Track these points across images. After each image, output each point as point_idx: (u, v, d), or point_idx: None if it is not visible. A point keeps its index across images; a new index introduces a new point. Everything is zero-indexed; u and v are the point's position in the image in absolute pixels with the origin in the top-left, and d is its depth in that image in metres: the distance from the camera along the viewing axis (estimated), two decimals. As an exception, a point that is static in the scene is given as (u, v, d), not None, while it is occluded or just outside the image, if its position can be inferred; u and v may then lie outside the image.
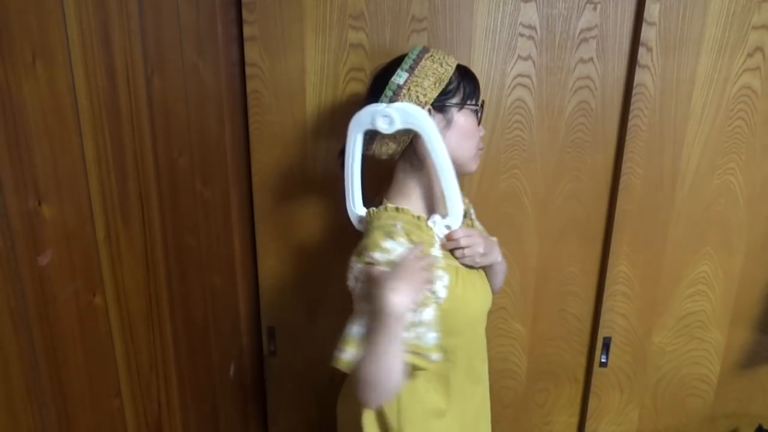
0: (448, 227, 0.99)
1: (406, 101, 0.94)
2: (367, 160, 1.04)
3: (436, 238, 0.99)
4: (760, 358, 1.49)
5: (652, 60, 1.24)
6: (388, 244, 0.90)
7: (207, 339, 1.22)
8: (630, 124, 1.28)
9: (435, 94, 0.95)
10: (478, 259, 0.99)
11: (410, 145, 0.99)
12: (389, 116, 0.93)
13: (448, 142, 0.98)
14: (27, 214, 0.64)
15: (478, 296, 1.02)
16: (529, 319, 1.46)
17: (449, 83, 0.97)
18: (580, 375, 1.51)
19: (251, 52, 1.25)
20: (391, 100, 0.94)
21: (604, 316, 1.44)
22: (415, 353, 0.88)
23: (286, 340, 1.49)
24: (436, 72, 0.95)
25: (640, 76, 1.25)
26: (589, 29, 1.24)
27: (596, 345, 1.46)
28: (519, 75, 1.27)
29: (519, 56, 1.25)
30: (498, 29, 1.24)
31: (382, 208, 1.00)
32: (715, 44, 1.24)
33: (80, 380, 0.76)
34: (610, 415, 1.54)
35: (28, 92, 0.63)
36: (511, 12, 1.23)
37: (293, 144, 1.32)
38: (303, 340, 1.49)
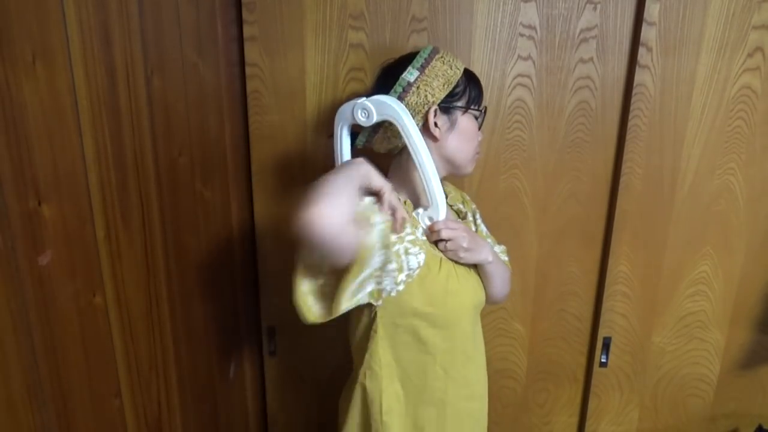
0: (430, 219, 0.99)
1: (414, 99, 0.96)
2: (363, 154, 1.05)
3: (421, 227, 1.00)
4: (760, 358, 1.49)
5: (652, 60, 1.24)
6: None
7: (207, 339, 1.22)
8: (630, 124, 1.28)
9: (442, 95, 0.98)
10: (461, 254, 0.99)
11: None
12: (367, 109, 0.95)
13: (449, 144, 1.01)
14: (27, 214, 0.64)
15: (463, 289, 1.01)
16: (529, 319, 1.46)
17: (456, 86, 0.99)
18: (580, 375, 1.51)
19: (251, 52, 1.25)
20: (400, 96, 0.97)
21: (604, 316, 1.44)
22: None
23: (286, 340, 1.49)
24: (446, 74, 0.98)
25: (640, 76, 1.25)
26: (589, 29, 1.24)
27: (596, 345, 1.46)
28: (519, 75, 1.27)
29: (519, 56, 1.25)
30: (498, 29, 1.24)
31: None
32: (715, 44, 1.24)
33: (80, 380, 0.76)
34: (610, 415, 1.54)
35: (28, 92, 0.63)
36: (511, 12, 1.23)
37: (293, 144, 1.32)
38: (303, 340, 1.49)
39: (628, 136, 1.29)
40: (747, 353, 1.49)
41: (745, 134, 1.30)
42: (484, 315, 1.45)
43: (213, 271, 1.22)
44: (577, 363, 1.50)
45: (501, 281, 1.10)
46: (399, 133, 0.97)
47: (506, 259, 1.17)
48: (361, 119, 0.97)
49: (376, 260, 0.89)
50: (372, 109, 0.95)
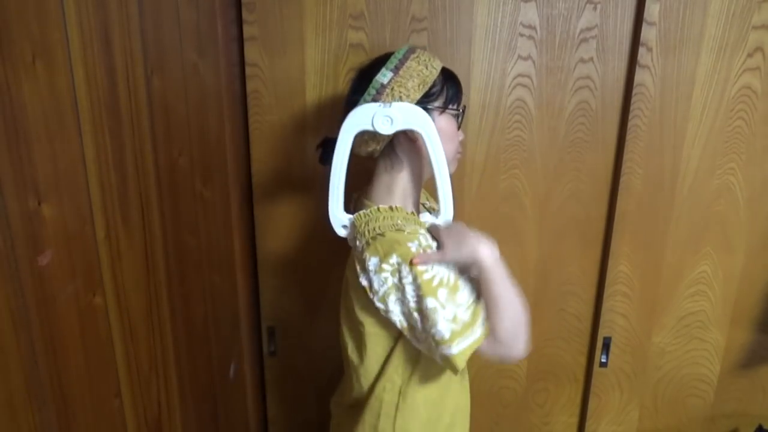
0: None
1: (389, 101, 0.93)
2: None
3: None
4: (760, 358, 1.49)
5: (652, 60, 1.24)
6: (407, 231, 0.91)
7: (207, 339, 1.22)
8: (630, 124, 1.28)
9: (418, 95, 0.95)
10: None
11: (390, 144, 0.98)
12: (390, 116, 0.92)
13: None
14: (27, 214, 0.64)
15: None
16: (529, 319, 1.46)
17: (433, 86, 0.96)
18: (580, 375, 1.51)
19: (251, 52, 1.25)
20: (374, 99, 0.94)
21: (604, 316, 1.44)
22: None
23: (286, 340, 1.49)
24: (421, 74, 0.95)
25: (640, 76, 1.25)
26: (589, 29, 1.24)
27: (596, 345, 1.46)
28: (519, 75, 1.27)
29: (519, 56, 1.25)
30: (498, 29, 1.24)
31: (374, 209, 0.96)
32: (715, 44, 1.24)
33: (80, 380, 0.76)
34: (610, 415, 1.54)
35: (28, 92, 0.63)
36: (511, 12, 1.23)
37: (293, 144, 1.32)
38: (303, 340, 1.49)
39: (628, 136, 1.29)
40: (747, 353, 1.49)
41: (745, 134, 1.30)
42: (484, 315, 1.45)
43: (213, 271, 1.22)
44: (577, 363, 1.50)
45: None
46: (377, 137, 0.95)
47: None
48: (383, 126, 0.92)
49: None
50: (398, 117, 0.91)
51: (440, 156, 0.94)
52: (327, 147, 1.02)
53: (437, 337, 0.85)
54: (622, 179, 1.32)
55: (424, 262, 0.86)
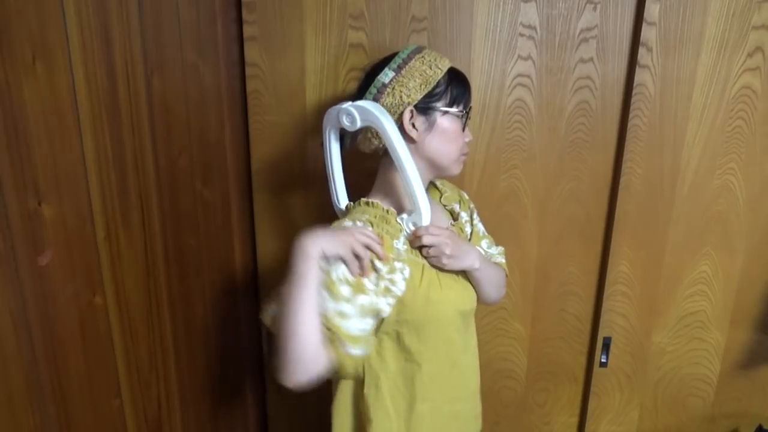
0: (414, 224, 0.97)
1: (390, 100, 0.94)
2: (352, 155, 1.05)
3: (404, 233, 0.98)
4: (760, 358, 1.49)
5: (652, 60, 1.24)
6: (345, 223, 0.94)
7: (207, 339, 1.22)
8: (630, 124, 1.28)
9: (419, 95, 0.95)
10: (444, 260, 0.96)
11: None
12: (351, 114, 0.94)
13: (428, 145, 0.97)
14: (27, 214, 0.64)
15: (446, 298, 0.97)
16: (529, 319, 1.46)
17: (436, 86, 0.96)
18: (580, 375, 1.51)
19: (251, 52, 1.25)
20: (375, 98, 0.95)
21: (604, 316, 1.44)
22: (330, 331, 0.86)
23: (286, 340, 1.49)
24: (424, 74, 0.95)
25: (640, 76, 1.25)
26: (589, 29, 1.24)
27: (596, 345, 1.46)
28: (519, 75, 1.27)
29: (519, 56, 1.25)
30: (498, 29, 1.24)
31: (356, 202, 1.01)
32: (715, 44, 1.24)
33: (80, 380, 0.76)
34: (610, 415, 1.54)
35: (28, 92, 0.63)
36: (511, 12, 1.23)
37: (293, 144, 1.32)
38: (303, 340, 1.49)
39: (628, 136, 1.29)
40: (747, 353, 1.49)
41: (745, 134, 1.30)
42: (484, 315, 1.45)
43: (213, 272, 1.22)
44: (577, 363, 1.50)
45: (493, 285, 1.07)
46: (378, 135, 0.96)
47: (502, 260, 1.15)
48: (346, 124, 0.96)
49: (369, 327, 0.91)
50: (355, 114, 0.94)
51: (402, 154, 0.93)
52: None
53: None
54: (622, 179, 1.32)
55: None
